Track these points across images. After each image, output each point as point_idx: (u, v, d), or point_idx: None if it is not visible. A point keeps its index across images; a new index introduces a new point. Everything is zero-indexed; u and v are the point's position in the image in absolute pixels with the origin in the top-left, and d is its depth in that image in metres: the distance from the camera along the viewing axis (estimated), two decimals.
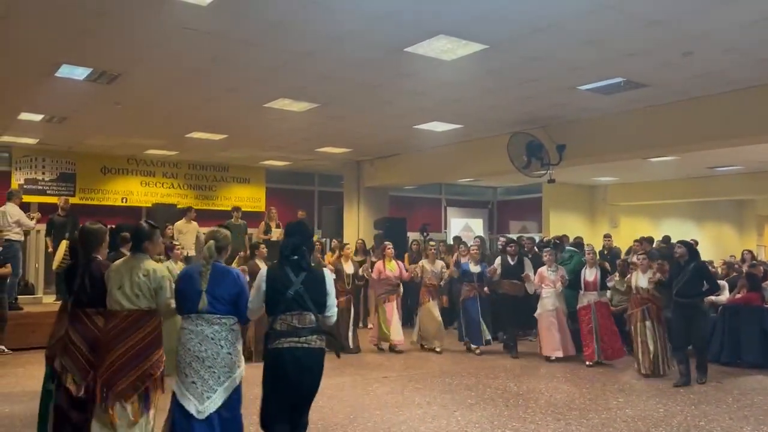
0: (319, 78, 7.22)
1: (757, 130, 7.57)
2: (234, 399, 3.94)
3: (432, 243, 10.28)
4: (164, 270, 4.28)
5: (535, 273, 8.86)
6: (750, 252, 10.86)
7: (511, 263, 8.98)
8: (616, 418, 5.77)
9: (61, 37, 5.95)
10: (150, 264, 4.22)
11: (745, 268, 9.53)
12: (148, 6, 5.14)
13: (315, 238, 11.40)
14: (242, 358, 4.07)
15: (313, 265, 4.06)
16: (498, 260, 9.17)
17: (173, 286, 4.15)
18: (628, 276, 8.14)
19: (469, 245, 9.96)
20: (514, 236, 13.50)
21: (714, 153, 10.43)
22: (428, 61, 6.46)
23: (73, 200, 11.99)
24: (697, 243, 11.58)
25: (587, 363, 8.18)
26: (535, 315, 8.74)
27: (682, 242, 7.73)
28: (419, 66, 6.68)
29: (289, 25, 5.56)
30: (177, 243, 8.27)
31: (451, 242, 13.52)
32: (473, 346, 9.12)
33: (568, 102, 8.22)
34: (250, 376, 4.24)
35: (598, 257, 8.81)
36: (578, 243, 10.40)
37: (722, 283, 9.14)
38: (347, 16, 5.33)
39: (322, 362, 3.91)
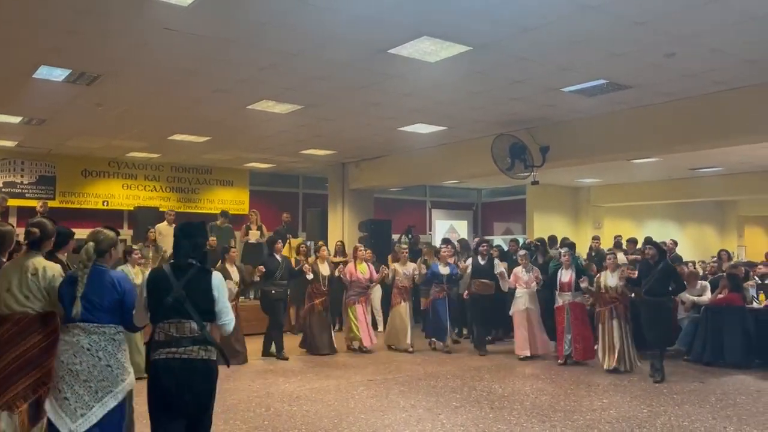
0: (303, 79, 7.17)
1: (740, 131, 7.64)
2: (117, 415, 3.56)
3: (404, 245, 10.26)
4: (57, 269, 3.94)
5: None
6: (726, 252, 10.92)
7: (482, 263, 9.21)
8: (601, 419, 5.78)
9: (39, 38, 5.84)
10: (41, 262, 3.89)
11: (725, 266, 9.61)
12: (127, 6, 5.06)
13: (299, 241, 11.35)
14: (129, 369, 3.68)
15: (216, 267, 3.76)
16: (469, 260, 9.33)
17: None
18: (598, 275, 8.24)
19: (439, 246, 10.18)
20: (492, 237, 13.56)
21: (695, 154, 10.53)
22: (412, 62, 6.44)
23: (52, 204, 11.82)
24: (676, 244, 11.73)
25: (558, 361, 8.41)
26: (510, 314, 8.98)
27: (652, 243, 7.91)
28: (403, 68, 6.66)
29: (271, 26, 5.51)
30: (136, 248, 8.08)
31: (436, 244, 13.53)
32: (438, 344, 9.36)
33: (552, 104, 8.24)
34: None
35: (585, 259, 8.94)
36: (571, 244, 10.44)
37: (704, 283, 9.22)
38: (330, 17, 5.29)
39: (209, 374, 3.53)
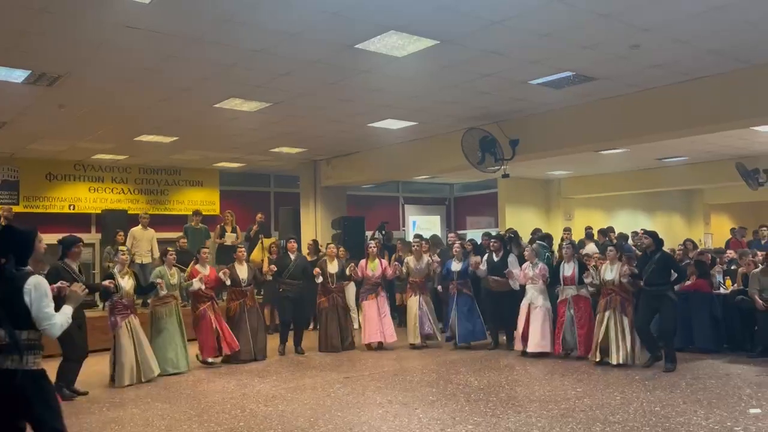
0: (270, 77, 7.09)
1: (705, 120, 7.77)
2: None
3: (416, 240, 10.22)
4: None
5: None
6: (691, 241, 11.09)
7: (495, 260, 8.98)
8: (575, 408, 5.84)
9: None
10: None
11: (691, 255, 9.75)
12: (87, 4, 4.95)
13: (271, 241, 11.24)
14: None
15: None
16: (485, 257, 9.17)
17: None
18: (600, 269, 8.03)
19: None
20: (465, 231, 13.54)
21: (661, 144, 10.69)
22: (380, 57, 6.42)
23: (16, 209, 11.52)
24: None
25: (556, 354, 8.24)
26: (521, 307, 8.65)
27: (648, 232, 7.83)
28: (371, 63, 6.63)
29: (236, 23, 5.44)
30: (123, 249, 8.04)
31: (410, 240, 13.51)
32: (459, 343, 9.14)
33: (520, 97, 8.29)
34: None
35: (556, 252, 8.87)
36: (545, 236, 10.47)
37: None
38: (296, 12, 5.24)
39: (25, 384, 3.37)
